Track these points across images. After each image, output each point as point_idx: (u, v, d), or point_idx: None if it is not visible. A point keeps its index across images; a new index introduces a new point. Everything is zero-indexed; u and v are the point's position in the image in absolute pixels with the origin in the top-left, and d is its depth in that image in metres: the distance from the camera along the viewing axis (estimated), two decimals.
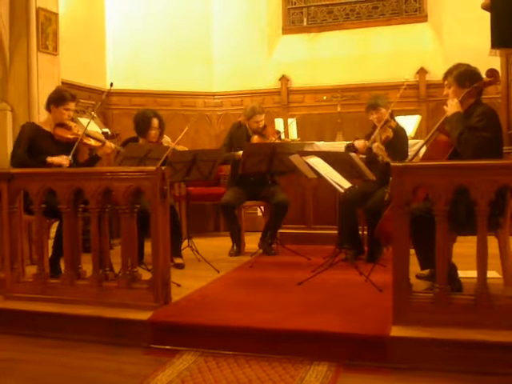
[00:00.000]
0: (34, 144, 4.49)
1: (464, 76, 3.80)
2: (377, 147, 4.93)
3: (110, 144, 4.69)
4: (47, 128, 4.58)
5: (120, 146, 4.94)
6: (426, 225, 3.31)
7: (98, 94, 7.40)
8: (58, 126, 4.55)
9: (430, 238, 3.20)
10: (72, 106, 4.61)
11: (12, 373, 3.14)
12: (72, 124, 4.63)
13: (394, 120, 5.24)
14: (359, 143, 5.13)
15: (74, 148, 4.45)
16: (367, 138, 5.17)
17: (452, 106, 3.74)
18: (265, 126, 5.79)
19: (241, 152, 5.53)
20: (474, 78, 3.77)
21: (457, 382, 2.85)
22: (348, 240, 4.94)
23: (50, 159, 4.39)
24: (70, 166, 4.43)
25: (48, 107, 4.62)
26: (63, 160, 4.40)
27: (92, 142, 4.62)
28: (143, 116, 5.30)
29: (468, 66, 3.88)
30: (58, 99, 4.56)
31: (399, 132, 5.11)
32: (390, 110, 5.15)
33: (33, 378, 3.06)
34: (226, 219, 5.85)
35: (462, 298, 3.19)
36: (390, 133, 4.99)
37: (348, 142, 5.38)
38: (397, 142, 5.02)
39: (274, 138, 5.70)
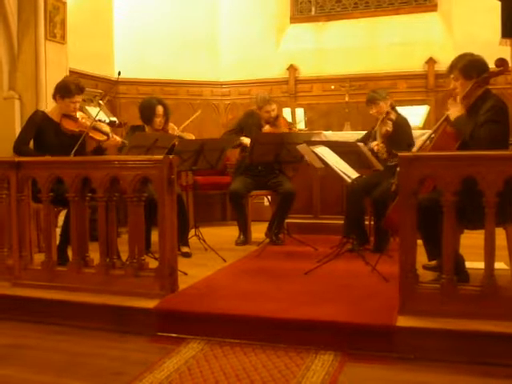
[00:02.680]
0: (42, 133, 4.50)
1: (469, 67, 3.73)
2: (376, 146, 4.93)
3: (115, 138, 4.68)
4: (54, 117, 4.58)
5: (126, 133, 4.93)
6: (433, 215, 3.30)
7: (105, 82, 7.42)
8: (65, 117, 4.54)
9: (438, 229, 3.19)
10: (78, 98, 4.58)
11: (18, 358, 3.16)
12: (79, 115, 4.61)
13: (395, 111, 5.20)
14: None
15: (79, 142, 4.42)
16: (367, 137, 5.18)
17: (455, 110, 3.71)
18: (277, 116, 5.78)
19: (244, 138, 5.53)
20: (480, 68, 3.72)
21: (462, 372, 2.85)
22: (354, 230, 4.93)
23: None
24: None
25: (54, 97, 4.62)
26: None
27: (97, 137, 4.61)
28: (148, 104, 5.30)
29: (471, 55, 3.81)
30: (63, 91, 4.53)
31: (400, 123, 5.05)
32: (389, 102, 5.14)
33: (38, 364, 3.08)
34: (234, 208, 5.86)
35: (468, 289, 3.19)
36: (389, 126, 4.98)
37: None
38: (397, 135, 4.98)
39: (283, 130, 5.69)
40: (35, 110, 4.74)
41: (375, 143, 4.99)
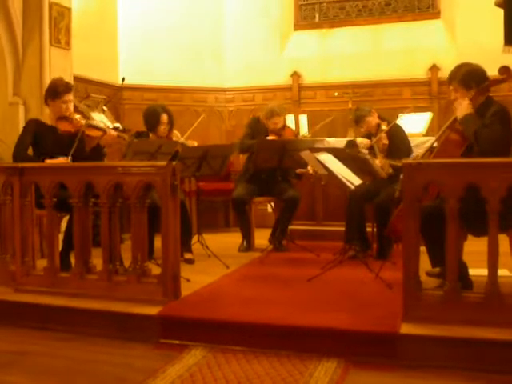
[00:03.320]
0: (39, 140, 4.51)
1: (468, 77, 3.74)
2: (380, 163, 4.91)
3: (111, 133, 4.67)
4: (49, 122, 4.59)
5: (131, 136, 4.95)
6: (437, 222, 3.29)
7: (109, 88, 7.43)
8: (60, 119, 4.55)
9: (442, 236, 3.18)
10: (69, 97, 4.58)
11: (21, 365, 3.16)
12: (73, 116, 4.60)
13: (384, 120, 5.20)
14: (362, 141, 5.13)
15: (76, 143, 4.42)
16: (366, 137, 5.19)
17: (463, 108, 3.71)
18: (284, 127, 5.78)
19: None
20: (479, 77, 3.73)
21: (466, 380, 2.84)
22: (356, 236, 4.93)
23: (48, 161, 4.35)
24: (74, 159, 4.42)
25: (46, 102, 4.64)
26: (62, 162, 4.38)
27: (93, 133, 4.61)
28: (152, 111, 5.32)
29: (468, 65, 3.81)
30: (53, 93, 4.55)
31: (394, 132, 5.03)
32: (376, 114, 5.15)
33: (41, 371, 3.07)
34: (237, 215, 5.86)
35: (472, 296, 3.18)
36: (384, 139, 4.97)
37: (350, 139, 5.37)
38: (394, 144, 4.98)
39: None
40: (28, 119, 4.77)
41: (378, 161, 4.97)
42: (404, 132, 5.21)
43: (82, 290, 3.84)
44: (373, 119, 5.13)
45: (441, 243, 3.22)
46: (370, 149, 5.09)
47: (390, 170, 4.80)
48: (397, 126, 5.12)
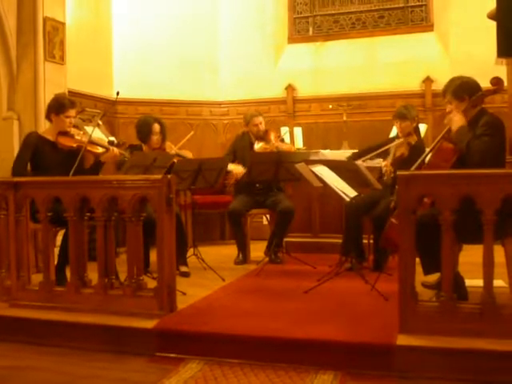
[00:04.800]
0: (38, 154, 4.48)
1: (460, 90, 3.83)
2: (385, 166, 4.91)
3: (114, 150, 4.67)
4: (50, 137, 4.56)
5: (125, 150, 4.95)
6: (431, 231, 3.30)
7: (104, 102, 7.44)
8: (61, 134, 4.52)
9: (435, 244, 3.19)
10: (72, 112, 4.58)
11: (18, 380, 3.14)
12: (75, 131, 4.60)
13: (418, 135, 5.18)
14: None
15: (79, 157, 4.42)
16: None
17: (456, 121, 3.76)
18: (266, 131, 5.82)
19: (230, 165, 5.62)
20: (471, 89, 3.81)
21: None
22: (352, 248, 4.92)
23: None
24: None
25: (48, 116, 4.62)
26: None
27: (96, 150, 4.61)
28: (144, 122, 5.34)
29: (461, 78, 3.91)
30: (57, 107, 4.54)
31: (417, 150, 4.91)
32: (415, 124, 5.12)
33: None
34: (233, 227, 5.86)
35: (468, 307, 3.18)
36: (405, 150, 4.94)
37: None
38: (410, 161, 4.92)
39: (274, 142, 5.71)
40: (29, 133, 4.75)
41: (385, 163, 4.96)
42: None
43: (78, 305, 3.82)
44: (410, 126, 5.06)
45: (434, 250, 3.22)
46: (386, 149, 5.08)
47: (390, 181, 4.79)
48: (423, 146, 5.03)
